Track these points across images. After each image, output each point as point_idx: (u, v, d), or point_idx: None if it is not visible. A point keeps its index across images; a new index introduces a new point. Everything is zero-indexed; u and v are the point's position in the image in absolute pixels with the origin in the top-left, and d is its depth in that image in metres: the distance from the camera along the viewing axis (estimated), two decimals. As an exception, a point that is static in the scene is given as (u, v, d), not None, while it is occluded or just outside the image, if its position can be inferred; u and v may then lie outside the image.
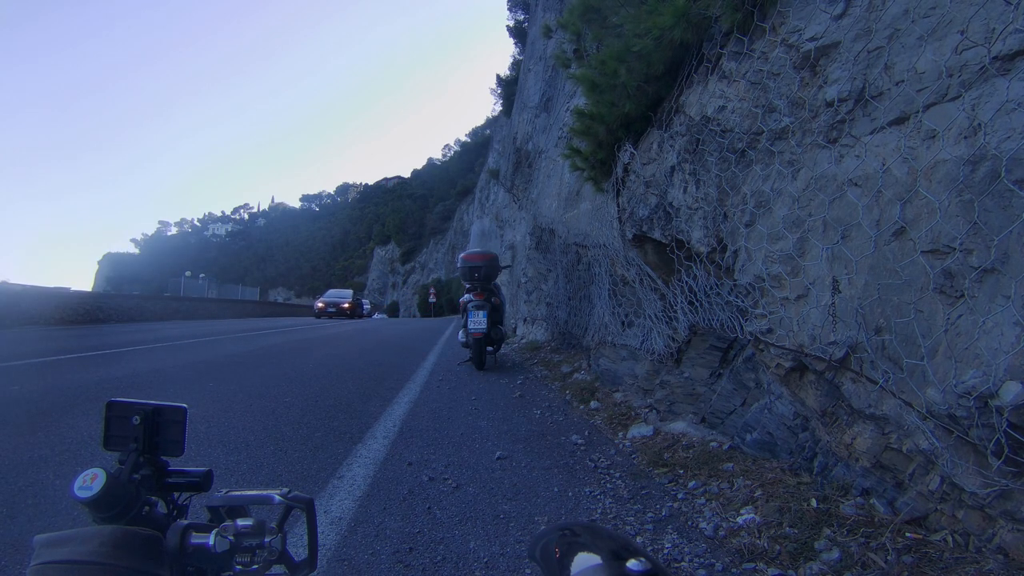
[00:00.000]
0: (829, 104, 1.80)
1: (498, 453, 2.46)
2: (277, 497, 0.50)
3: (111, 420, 0.51)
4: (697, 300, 2.69)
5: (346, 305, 22.10)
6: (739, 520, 1.68)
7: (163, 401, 0.52)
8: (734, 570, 1.44)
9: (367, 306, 27.47)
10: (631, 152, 3.40)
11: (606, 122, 3.46)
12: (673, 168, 2.83)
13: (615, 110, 3.28)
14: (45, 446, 2.39)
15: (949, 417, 1.35)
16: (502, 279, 9.45)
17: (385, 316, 38.70)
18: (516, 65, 17.92)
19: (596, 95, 3.42)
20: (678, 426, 2.68)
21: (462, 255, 5.75)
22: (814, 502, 1.68)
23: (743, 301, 2.28)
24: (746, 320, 2.26)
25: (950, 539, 1.37)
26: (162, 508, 0.50)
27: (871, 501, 1.62)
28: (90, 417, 2.89)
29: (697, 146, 2.56)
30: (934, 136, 1.44)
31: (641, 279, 3.45)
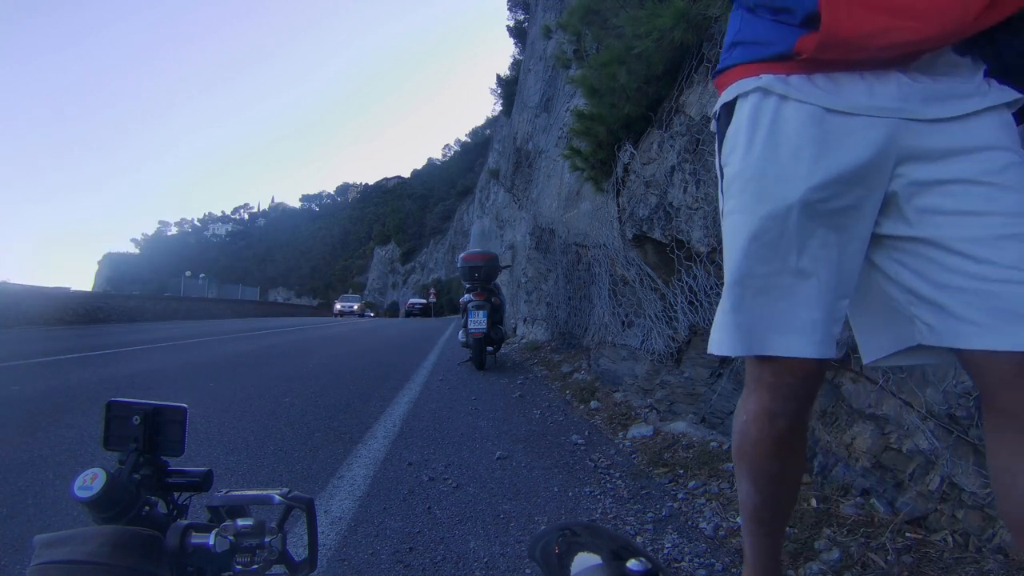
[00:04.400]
0: (829, 104, 1.79)
1: (498, 453, 2.46)
2: (277, 497, 0.50)
3: (111, 420, 0.51)
4: (697, 300, 2.69)
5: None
6: (739, 520, 1.68)
7: (163, 401, 0.52)
8: (734, 570, 1.44)
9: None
10: (631, 152, 3.40)
11: (606, 123, 3.47)
12: (673, 168, 2.83)
13: (615, 111, 3.28)
14: (45, 446, 2.39)
15: (949, 417, 1.35)
16: (502, 279, 9.44)
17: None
18: (516, 65, 17.91)
19: (596, 98, 3.42)
20: (678, 426, 2.68)
21: (462, 255, 5.74)
22: (814, 502, 1.68)
23: (743, 301, 2.27)
24: (746, 320, 2.26)
25: (950, 539, 1.37)
26: (162, 508, 0.50)
27: (871, 501, 1.62)
28: (90, 417, 2.89)
29: (697, 146, 2.56)
30: (934, 136, 1.44)
31: (641, 279, 3.45)
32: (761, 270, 0.84)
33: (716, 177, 0.94)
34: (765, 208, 0.82)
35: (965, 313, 0.75)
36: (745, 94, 0.86)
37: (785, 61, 0.82)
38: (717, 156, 0.93)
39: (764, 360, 0.87)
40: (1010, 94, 0.79)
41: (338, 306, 32.81)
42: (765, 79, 0.83)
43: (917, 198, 0.79)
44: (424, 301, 31.44)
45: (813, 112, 0.80)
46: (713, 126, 0.96)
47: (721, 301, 0.90)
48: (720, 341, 0.89)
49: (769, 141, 0.82)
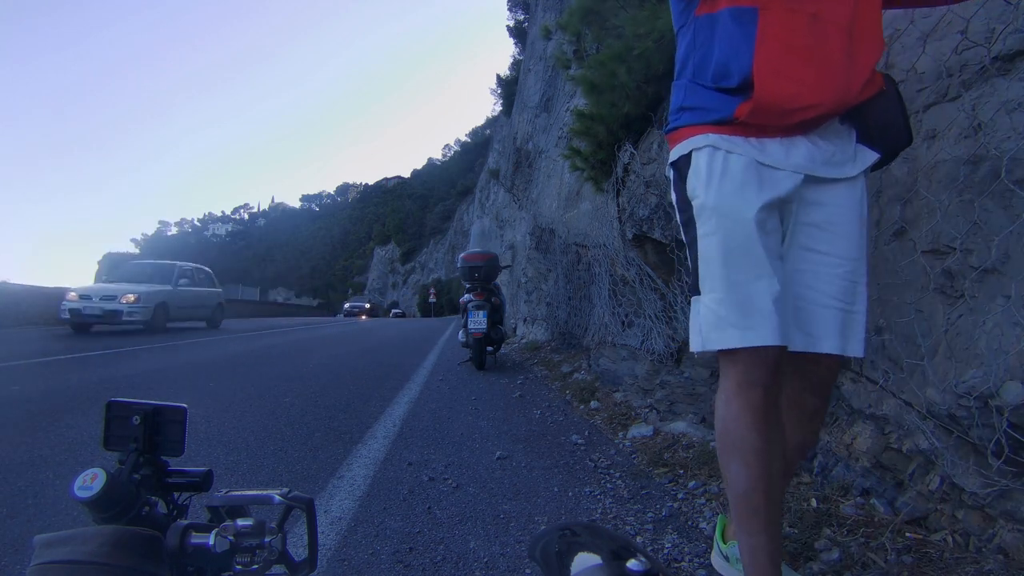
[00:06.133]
0: (829, 104, 1.80)
1: (498, 453, 2.46)
2: (277, 497, 0.50)
3: (111, 420, 0.51)
4: (697, 300, 2.68)
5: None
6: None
7: (163, 401, 0.52)
8: (734, 570, 1.44)
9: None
10: (631, 152, 3.40)
11: (606, 122, 3.47)
12: (673, 168, 2.82)
13: (615, 111, 3.28)
14: (45, 446, 2.39)
15: (949, 417, 1.35)
16: (502, 279, 9.45)
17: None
18: (516, 65, 17.91)
19: (596, 97, 3.42)
20: (678, 426, 2.68)
21: (462, 255, 5.74)
22: (814, 502, 1.68)
23: (743, 301, 2.27)
24: (746, 320, 2.26)
25: (950, 539, 1.37)
26: (162, 508, 0.50)
27: (871, 501, 1.62)
28: (90, 417, 2.89)
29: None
30: (934, 136, 1.44)
31: (641, 279, 3.45)
32: (740, 277, 1.04)
33: (675, 212, 1.18)
34: (731, 225, 1.05)
35: (807, 327, 1.07)
36: (699, 148, 1.10)
37: (725, 124, 1.08)
38: (675, 196, 1.17)
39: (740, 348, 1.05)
40: (871, 157, 1.09)
41: (74, 293, 8.65)
42: (712, 138, 1.09)
43: (793, 234, 1.10)
44: (362, 304, 37.92)
45: (750, 162, 1.06)
46: (668, 171, 1.19)
47: (701, 307, 1.09)
48: (710, 339, 1.07)
49: (723, 181, 1.07)
